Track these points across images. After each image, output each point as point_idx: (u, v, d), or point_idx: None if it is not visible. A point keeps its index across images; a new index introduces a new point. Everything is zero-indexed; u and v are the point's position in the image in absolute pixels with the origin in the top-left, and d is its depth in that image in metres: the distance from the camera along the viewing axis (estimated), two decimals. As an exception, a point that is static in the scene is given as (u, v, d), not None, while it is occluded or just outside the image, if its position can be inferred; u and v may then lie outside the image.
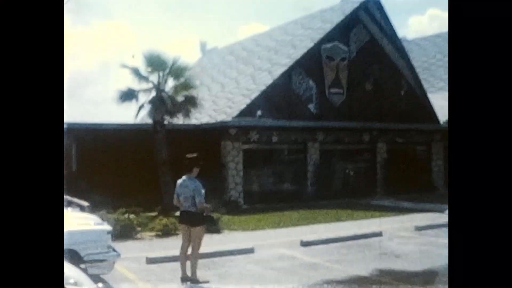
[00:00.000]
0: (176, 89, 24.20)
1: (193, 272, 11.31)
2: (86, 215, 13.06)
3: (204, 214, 11.32)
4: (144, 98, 24.08)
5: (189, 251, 11.38)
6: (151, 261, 13.69)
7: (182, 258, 11.56)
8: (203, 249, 11.65)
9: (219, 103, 30.49)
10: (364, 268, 13.04)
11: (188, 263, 11.39)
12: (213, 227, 16.91)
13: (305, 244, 16.02)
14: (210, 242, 13.76)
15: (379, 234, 17.59)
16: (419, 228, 18.80)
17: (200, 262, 11.77)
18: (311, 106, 28.35)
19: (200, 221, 11.22)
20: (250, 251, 14.99)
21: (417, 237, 17.58)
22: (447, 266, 12.89)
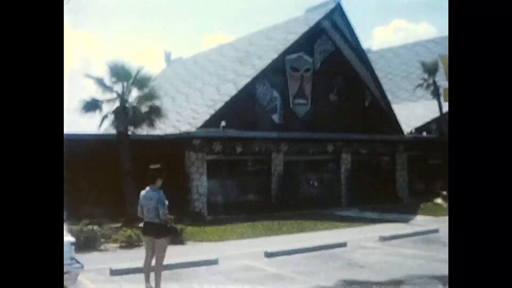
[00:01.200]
0: (140, 99, 24.08)
1: (157, 283, 11.21)
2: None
3: (168, 226, 11.24)
4: (108, 108, 23.96)
5: (153, 262, 11.29)
6: (115, 272, 13.57)
7: (146, 269, 11.46)
8: (167, 261, 11.56)
9: (183, 113, 30.38)
10: (328, 278, 13.02)
11: (152, 275, 11.30)
12: (177, 239, 16.80)
13: (269, 255, 15.98)
14: (174, 254, 13.65)
15: (343, 245, 17.62)
16: (383, 239, 18.86)
17: (164, 273, 11.68)
18: (275, 117, 28.36)
19: (163, 232, 11.13)
20: (214, 262, 14.91)
21: (382, 248, 17.62)
22: (411, 276, 12.95)
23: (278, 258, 15.82)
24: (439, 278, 12.75)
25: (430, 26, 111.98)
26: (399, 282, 12.69)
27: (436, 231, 20.73)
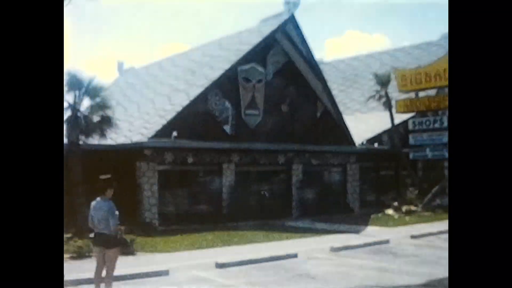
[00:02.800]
0: (92, 109, 23.87)
1: (107, 294, 11.12)
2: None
3: (118, 236, 11.15)
4: (59, 117, 23.66)
5: (104, 273, 11.18)
6: (65, 283, 13.39)
7: (96, 280, 11.35)
8: (117, 272, 11.46)
9: (135, 123, 30.18)
10: (279, 289, 13.05)
11: (102, 286, 11.19)
12: (128, 249, 16.67)
13: (220, 266, 15.94)
14: (124, 264, 13.54)
15: (294, 256, 17.64)
16: (334, 249, 18.94)
17: (115, 284, 11.57)
18: (227, 128, 28.32)
19: (114, 243, 11.04)
20: (165, 273, 14.83)
21: (333, 258, 17.68)
22: (362, 287, 13.01)
23: (229, 269, 15.78)
24: (389, 289, 12.85)
25: (384, 37, 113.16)
26: (349, 293, 12.76)
27: (387, 242, 20.89)
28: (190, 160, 26.81)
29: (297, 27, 31.14)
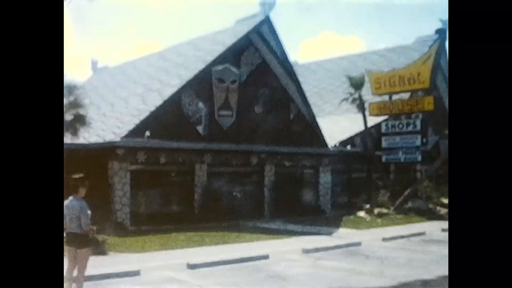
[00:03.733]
0: (65, 107, 23.72)
1: (78, 294, 11.06)
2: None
3: (90, 236, 11.10)
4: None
5: (75, 273, 11.11)
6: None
7: (67, 280, 11.26)
8: (89, 272, 11.39)
9: (108, 122, 30.04)
10: (251, 291, 13.05)
11: (74, 286, 11.12)
12: (99, 249, 16.58)
13: (191, 266, 15.90)
14: (96, 264, 13.45)
15: (266, 257, 17.64)
16: (306, 251, 18.96)
17: (86, 284, 11.49)
18: (200, 128, 28.25)
19: (86, 243, 10.97)
20: (136, 273, 14.77)
21: (304, 260, 17.71)
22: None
23: (201, 269, 15.75)
24: (360, 291, 12.89)
25: (358, 40, 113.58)
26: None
27: (358, 244, 20.96)
28: (162, 160, 26.73)
29: (272, 28, 31.23)
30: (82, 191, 11.13)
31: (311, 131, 33.26)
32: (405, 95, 36.65)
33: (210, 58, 29.57)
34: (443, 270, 15.70)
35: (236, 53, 29.98)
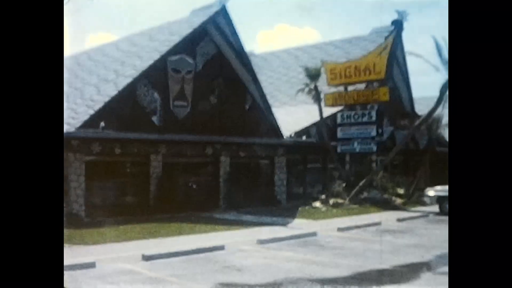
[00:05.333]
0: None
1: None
2: None
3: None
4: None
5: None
6: None
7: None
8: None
9: (61, 113, 29.66)
10: (206, 282, 12.98)
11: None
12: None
13: (147, 258, 15.79)
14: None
15: (221, 248, 17.59)
16: (261, 242, 18.94)
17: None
18: (155, 119, 28.08)
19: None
20: (91, 265, 14.60)
21: (260, 251, 17.69)
22: (289, 279, 13.02)
23: (156, 261, 15.65)
24: (316, 281, 12.89)
25: (314, 31, 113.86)
26: (277, 284, 12.74)
27: (314, 234, 21.00)
28: (117, 151, 26.52)
29: (228, 19, 31.13)
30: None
31: (266, 122, 33.27)
32: (361, 86, 36.81)
33: (165, 48, 29.40)
34: (398, 259, 15.83)
35: (191, 43, 29.85)
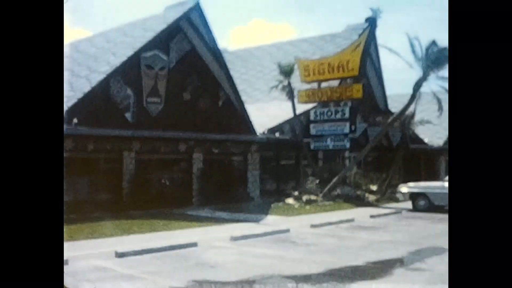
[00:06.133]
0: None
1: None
2: None
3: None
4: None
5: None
6: None
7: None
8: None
9: (33, 109, 29.48)
10: (179, 278, 12.95)
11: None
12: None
13: (120, 255, 15.73)
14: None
15: (194, 245, 17.58)
16: (234, 238, 18.95)
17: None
18: (128, 115, 27.98)
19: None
20: (64, 263, 14.52)
21: (233, 247, 17.71)
22: (262, 276, 13.03)
23: (129, 258, 15.59)
24: (289, 278, 12.92)
25: (289, 27, 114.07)
26: (250, 281, 12.75)
27: (287, 231, 21.05)
28: (90, 147, 26.41)
29: (202, 15, 31.09)
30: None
31: (239, 118, 33.27)
32: (334, 83, 36.93)
33: (139, 44, 29.31)
34: (372, 256, 15.91)
35: (165, 39, 29.79)
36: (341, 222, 24.16)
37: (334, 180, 34.33)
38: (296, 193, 33.46)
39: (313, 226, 22.66)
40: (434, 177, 46.92)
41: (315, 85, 36.85)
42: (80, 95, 26.70)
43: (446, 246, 17.72)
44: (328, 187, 33.87)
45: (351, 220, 24.88)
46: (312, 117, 36.84)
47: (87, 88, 27.11)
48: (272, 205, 30.44)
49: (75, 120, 25.22)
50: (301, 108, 36.86)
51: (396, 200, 33.28)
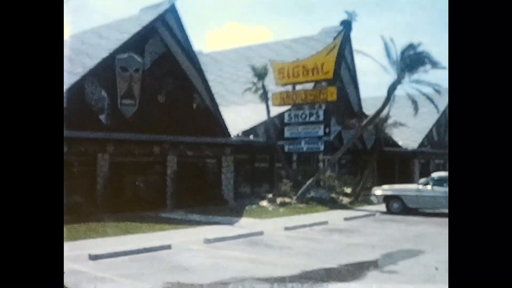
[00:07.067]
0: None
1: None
2: None
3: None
4: None
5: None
6: None
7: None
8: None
9: (7, 111, 29.27)
10: (153, 281, 12.94)
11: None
12: None
13: (93, 257, 15.67)
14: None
15: (168, 247, 17.56)
16: (208, 241, 18.94)
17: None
18: (102, 117, 27.87)
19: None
20: (36, 265, 14.45)
21: (207, 250, 17.70)
22: (236, 278, 13.05)
23: (103, 260, 15.53)
24: (264, 280, 12.95)
25: (265, 29, 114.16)
26: (224, 284, 12.76)
27: (261, 233, 21.08)
28: (64, 150, 26.22)
29: (177, 17, 31.05)
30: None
31: (214, 121, 33.27)
32: (309, 86, 37.03)
33: (114, 46, 29.19)
34: (345, 258, 15.97)
35: (140, 41, 29.72)
36: (315, 224, 24.23)
37: (308, 182, 34.44)
38: (270, 195, 33.53)
39: (287, 228, 22.71)
40: (408, 179, 47.25)
41: (289, 87, 36.93)
42: (54, 97, 26.52)
43: (420, 248, 17.88)
44: (302, 189, 33.98)
45: (325, 223, 24.96)
46: (286, 119, 36.92)
47: (61, 90, 26.93)
48: (246, 208, 30.46)
49: (48, 122, 25.06)
50: (275, 110, 36.94)
51: (370, 203, 33.42)
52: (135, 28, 30.28)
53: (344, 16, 42.57)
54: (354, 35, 45.62)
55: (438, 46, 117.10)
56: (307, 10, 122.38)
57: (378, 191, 31.89)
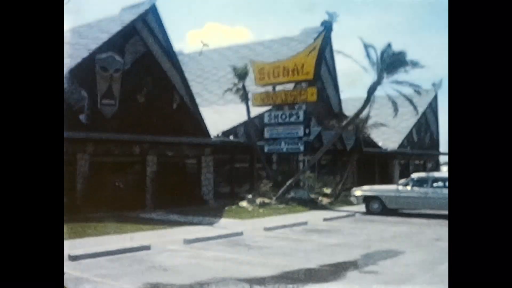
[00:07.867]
0: None
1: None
2: None
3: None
4: None
5: None
6: None
7: None
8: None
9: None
10: (132, 282, 12.92)
11: None
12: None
13: (73, 258, 15.62)
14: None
15: (147, 248, 17.53)
16: (188, 241, 18.93)
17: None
18: (82, 117, 27.74)
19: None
20: (14, 265, 14.39)
21: (186, 250, 17.68)
22: (216, 278, 13.05)
23: (82, 261, 15.49)
24: (244, 280, 12.96)
25: (246, 30, 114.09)
26: (203, 284, 12.76)
27: (240, 234, 21.08)
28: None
29: (158, 17, 31.01)
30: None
31: (194, 121, 33.20)
32: (289, 86, 37.08)
33: (94, 46, 29.09)
34: (325, 259, 16.01)
35: (120, 41, 29.63)
36: (294, 225, 24.26)
37: (288, 183, 34.48)
38: (250, 196, 33.51)
39: (266, 229, 22.72)
40: (388, 180, 47.48)
41: (270, 88, 36.95)
42: (33, 96, 26.42)
43: (399, 248, 17.96)
44: (282, 190, 34.00)
45: (305, 223, 24.99)
46: (266, 120, 36.92)
47: (41, 89, 26.83)
48: (226, 208, 30.45)
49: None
50: (255, 111, 36.95)
51: (350, 203, 33.52)
52: (115, 28, 30.19)
53: (325, 17, 42.68)
54: (335, 35, 45.53)
55: (420, 46, 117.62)
56: (287, 10, 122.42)
57: (357, 191, 31.98)
